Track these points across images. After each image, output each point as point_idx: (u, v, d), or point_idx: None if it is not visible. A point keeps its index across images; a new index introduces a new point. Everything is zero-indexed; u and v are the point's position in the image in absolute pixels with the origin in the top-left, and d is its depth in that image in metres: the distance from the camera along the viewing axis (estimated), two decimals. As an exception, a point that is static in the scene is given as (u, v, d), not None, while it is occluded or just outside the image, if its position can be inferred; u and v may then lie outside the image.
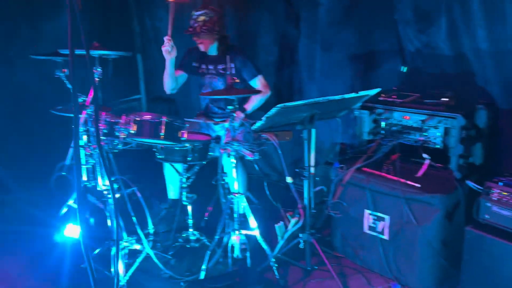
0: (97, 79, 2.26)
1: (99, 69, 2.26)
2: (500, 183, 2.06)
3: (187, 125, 2.35)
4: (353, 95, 2.22)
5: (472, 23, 2.47)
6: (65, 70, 2.73)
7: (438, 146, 2.44)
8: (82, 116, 2.24)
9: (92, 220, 3.07)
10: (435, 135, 2.44)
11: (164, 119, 2.25)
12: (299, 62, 3.43)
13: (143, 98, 5.05)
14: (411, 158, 2.51)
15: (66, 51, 2.40)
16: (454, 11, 2.53)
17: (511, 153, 2.49)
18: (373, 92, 2.31)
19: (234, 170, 2.50)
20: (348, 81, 3.18)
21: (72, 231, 3.06)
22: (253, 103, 3.04)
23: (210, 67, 3.12)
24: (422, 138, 2.48)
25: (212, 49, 3.08)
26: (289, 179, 2.47)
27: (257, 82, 3.07)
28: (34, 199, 3.80)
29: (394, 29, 2.87)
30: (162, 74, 3.07)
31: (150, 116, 2.26)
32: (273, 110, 2.09)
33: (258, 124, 2.27)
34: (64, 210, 3.25)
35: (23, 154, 3.87)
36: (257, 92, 2.85)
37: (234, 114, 2.41)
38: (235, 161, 2.48)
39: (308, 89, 3.40)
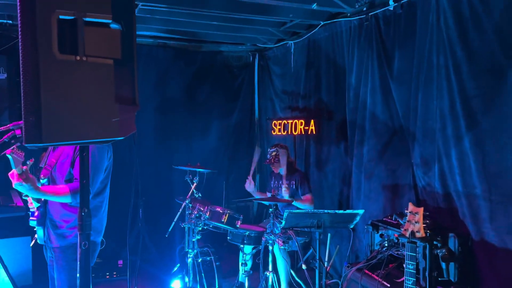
0: (195, 183, 3.85)
1: (197, 177, 3.86)
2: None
3: (241, 217, 3.70)
4: (341, 212, 3.27)
5: (453, 171, 3.31)
6: (191, 176, 4.45)
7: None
8: (183, 203, 3.81)
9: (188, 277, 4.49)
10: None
11: (227, 211, 3.66)
12: (352, 185, 4.52)
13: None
14: (401, 267, 3.30)
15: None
16: (442, 161, 3.41)
17: (485, 275, 3.07)
18: (359, 211, 3.30)
19: (271, 254, 3.68)
20: (381, 204, 4.11)
21: (176, 286, 4.56)
22: (300, 206, 4.25)
23: (280, 182, 4.49)
24: (405, 253, 3.27)
25: (282, 170, 4.48)
26: (304, 266, 3.51)
27: (306, 198, 4.31)
28: (162, 260, 5.52)
29: (411, 169, 3.81)
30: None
31: (219, 209, 3.69)
32: (284, 215, 3.30)
33: (283, 223, 3.47)
34: (175, 269, 4.82)
35: (163, 227, 5.72)
36: (290, 201, 4.08)
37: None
38: (271, 247, 3.68)
39: (356, 206, 4.41)
